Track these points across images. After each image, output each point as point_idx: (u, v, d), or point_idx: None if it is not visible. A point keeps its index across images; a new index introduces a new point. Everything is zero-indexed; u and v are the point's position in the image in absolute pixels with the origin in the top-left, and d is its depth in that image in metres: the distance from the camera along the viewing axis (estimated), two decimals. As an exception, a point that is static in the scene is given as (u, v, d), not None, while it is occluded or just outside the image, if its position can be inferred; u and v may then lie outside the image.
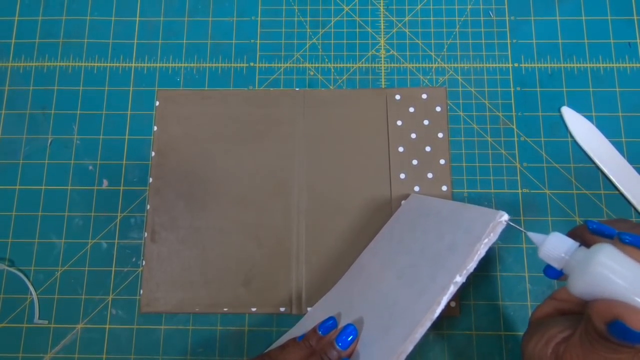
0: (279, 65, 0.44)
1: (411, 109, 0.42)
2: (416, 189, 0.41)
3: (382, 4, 0.46)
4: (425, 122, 0.42)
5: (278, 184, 0.41)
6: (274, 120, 0.42)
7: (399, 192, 0.41)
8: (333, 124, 0.42)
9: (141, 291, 0.40)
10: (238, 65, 0.45)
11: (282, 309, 0.39)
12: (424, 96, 0.42)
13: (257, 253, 0.40)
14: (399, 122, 0.42)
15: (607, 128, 0.42)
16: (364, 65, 0.44)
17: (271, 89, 0.44)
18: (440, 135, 0.42)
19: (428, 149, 0.41)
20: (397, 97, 0.42)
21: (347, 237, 0.40)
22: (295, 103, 0.42)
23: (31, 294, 0.40)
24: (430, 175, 0.41)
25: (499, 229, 0.26)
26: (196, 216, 0.40)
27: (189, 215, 0.40)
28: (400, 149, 0.41)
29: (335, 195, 0.41)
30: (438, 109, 0.42)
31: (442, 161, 0.41)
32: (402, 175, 0.41)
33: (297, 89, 0.43)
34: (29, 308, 0.40)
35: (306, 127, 0.42)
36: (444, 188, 0.41)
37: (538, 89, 0.43)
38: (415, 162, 0.41)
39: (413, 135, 0.42)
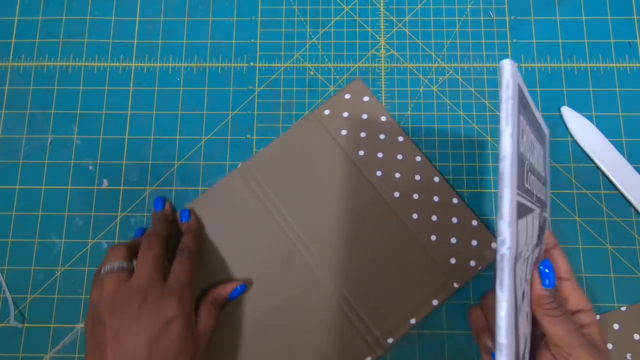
0: (279, 65, 0.45)
1: (345, 114, 0.42)
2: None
3: (382, 4, 0.46)
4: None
5: (285, 255, 0.40)
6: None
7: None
8: (292, 175, 0.41)
9: None
10: (238, 65, 0.45)
11: None
12: (347, 96, 0.42)
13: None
14: (344, 132, 0.42)
15: (607, 128, 0.42)
16: (364, 65, 0.44)
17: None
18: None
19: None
20: (326, 112, 0.42)
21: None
22: (246, 180, 0.41)
23: (4, 293, 0.40)
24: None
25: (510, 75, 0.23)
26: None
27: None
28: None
29: (334, 235, 0.40)
30: (366, 98, 0.42)
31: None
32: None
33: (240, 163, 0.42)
34: (28, 308, 0.40)
35: (274, 190, 0.41)
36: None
37: (538, 89, 0.43)
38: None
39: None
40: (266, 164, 0.41)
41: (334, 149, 0.41)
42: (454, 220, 0.40)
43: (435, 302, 0.38)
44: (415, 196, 0.40)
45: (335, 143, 0.41)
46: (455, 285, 0.38)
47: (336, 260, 0.39)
